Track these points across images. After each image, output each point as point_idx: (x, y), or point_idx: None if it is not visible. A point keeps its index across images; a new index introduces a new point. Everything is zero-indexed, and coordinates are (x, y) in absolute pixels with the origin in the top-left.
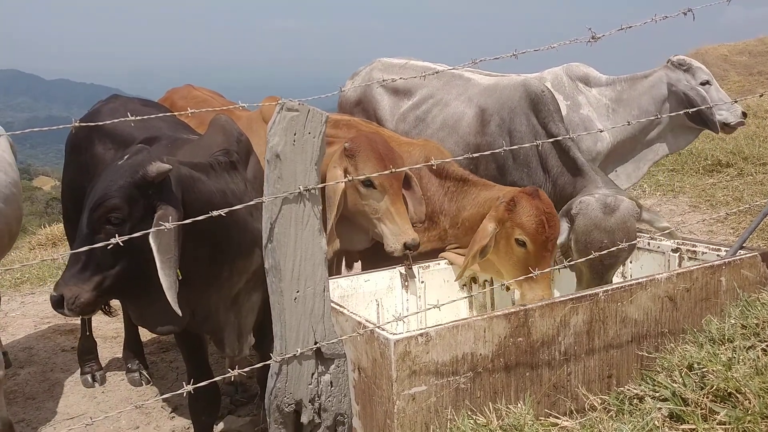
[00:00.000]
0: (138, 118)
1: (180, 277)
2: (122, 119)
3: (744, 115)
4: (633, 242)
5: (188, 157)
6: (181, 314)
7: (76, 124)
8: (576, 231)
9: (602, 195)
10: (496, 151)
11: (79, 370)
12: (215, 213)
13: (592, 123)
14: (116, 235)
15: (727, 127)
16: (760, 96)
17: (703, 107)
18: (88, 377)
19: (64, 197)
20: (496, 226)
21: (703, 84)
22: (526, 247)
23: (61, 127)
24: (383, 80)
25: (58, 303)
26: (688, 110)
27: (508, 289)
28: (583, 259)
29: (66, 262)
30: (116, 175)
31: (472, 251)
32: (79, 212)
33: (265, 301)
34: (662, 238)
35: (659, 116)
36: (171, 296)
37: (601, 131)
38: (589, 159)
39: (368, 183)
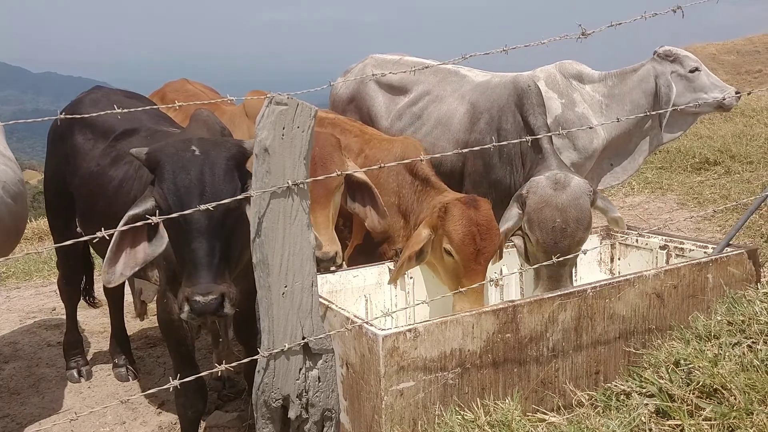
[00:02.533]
0: (123, 111)
1: None
2: (107, 112)
3: (737, 93)
4: (586, 221)
5: None
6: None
7: (62, 116)
8: (528, 212)
9: (552, 173)
10: (485, 147)
11: (65, 365)
12: (207, 206)
13: (588, 120)
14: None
15: (722, 107)
16: (748, 94)
17: (662, 111)
18: (74, 372)
19: (48, 189)
20: (431, 233)
21: (692, 71)
22: (453, 258)
23: (47, 119)
24: (378, 75)
25: (219, 305)
26: (648, 113)
27: (496, 285)
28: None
29: (51, 256)
30: (216, 165)
31: (403, 256)
32: (63, 204)
33: (243, 292)
34: (650, 235)
35: (648, 113)
36: None
37: (591, 127)
38: (585, 157)
39: None
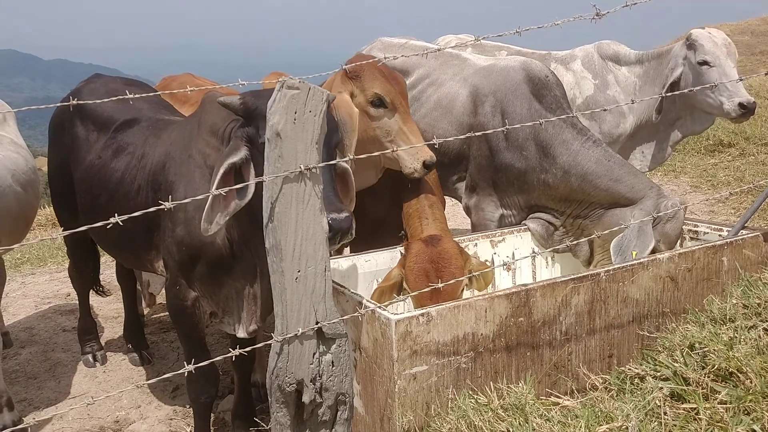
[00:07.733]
0: (127, 97)
1: None
2: (117, 98)
3: (742, 106)
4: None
5: (181, 136)
6: None
7: (74, 102)
8: (669, 234)
9: (672, 197)
10: (498, 130)
11: (80, 350)
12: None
13: (618, 104)
14: None
15: (723, 114)
16: (765, 74)
17: (639, 99)
18: (90, 357)
19: (53, 182)
20: (400, 272)
21: (700, 63)
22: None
23: (59, 104)
24: (384, 58)
25: (352, 224)
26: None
27: (509, 269)
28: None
29: (63, 243)
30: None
31: (375, 289)
32: (70, 196)
33: None
34: None
35: (633, 102)
36: None
37: (605, 110)
38: (608, 142)
39: (378, 103)
